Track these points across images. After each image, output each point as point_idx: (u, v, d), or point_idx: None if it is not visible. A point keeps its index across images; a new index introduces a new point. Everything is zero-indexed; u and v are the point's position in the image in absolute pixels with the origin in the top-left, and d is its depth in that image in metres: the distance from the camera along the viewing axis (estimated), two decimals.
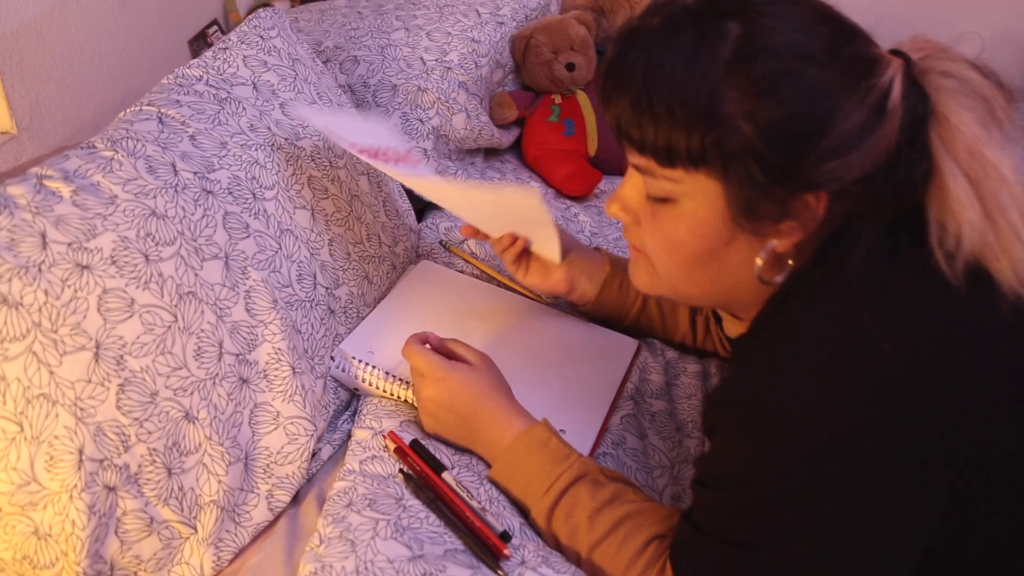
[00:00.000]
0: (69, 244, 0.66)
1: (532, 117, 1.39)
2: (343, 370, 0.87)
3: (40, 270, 0.64)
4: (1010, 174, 0.57)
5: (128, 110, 0.83)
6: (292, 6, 1.67)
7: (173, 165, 0.77)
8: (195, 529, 0.70)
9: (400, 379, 0.86)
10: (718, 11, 0.59)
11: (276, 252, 0.83)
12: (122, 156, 0.74)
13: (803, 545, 0.58)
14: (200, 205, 0.77)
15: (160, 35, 1.39)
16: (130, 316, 0.68)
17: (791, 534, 0.58)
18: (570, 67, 1.36)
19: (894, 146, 0.57)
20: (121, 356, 0.67)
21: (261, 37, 0.97)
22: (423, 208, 1.19)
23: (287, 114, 0.92)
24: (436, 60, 1.25)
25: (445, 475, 0.74)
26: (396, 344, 0.83)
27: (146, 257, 0.70)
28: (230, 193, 0.80)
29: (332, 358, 0.88)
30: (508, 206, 0.84)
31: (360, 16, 1.36)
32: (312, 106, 0.96)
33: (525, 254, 0.92)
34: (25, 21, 1.07)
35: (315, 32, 1.32)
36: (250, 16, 1.00)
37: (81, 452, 0.64)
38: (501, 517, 0.72)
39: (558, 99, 1.38)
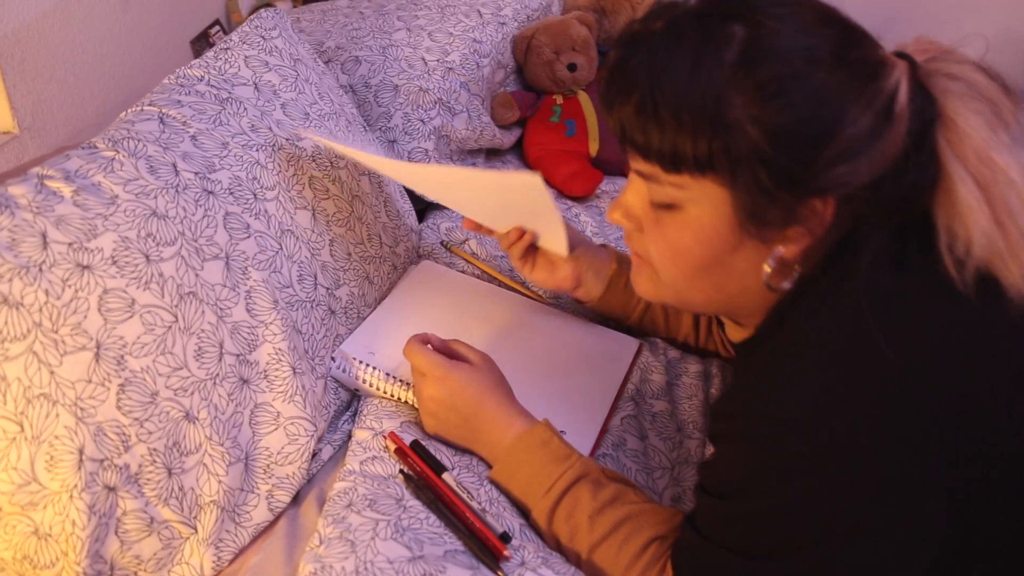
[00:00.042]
0: (70, 244, 0.66)
1: (533, 118, 1.39)
2: (344, 371, 0.87)
3: (41, 270, 0.64)
4: (1018, 178, 0.56)
5: (129, 110, 0.83)
6: (294, 6, 1.67)
7: (174, 165, 0.77)
8: (195, 529, 0.70)
9: (401, 380, 0.86)
10: (722, 14, 0.58)
11: (277, 252, 0.83)
12: (123, 156, 0.74)
13: (805, 553, 0.58)
14: (201, 205, 0.77)
15: (162, 35, 1.39)
16: (131, 316, 0.68)
17: (794, 543, 0.58)
18: (572, 67, 1.36)
19: (901, 150, 0.57)
20: (122, 356, 0.67)
21: (263, 37, 0.97)
22: (424, 208, 1.19)
23: (288, 115, 0.92)
24: (438, 60, 1.25)
25: (445, 476, 0.74)
26: (397, 345, 0.83)
27: (147, 257, 0.70)
28: (231, 193, 0.80)
29: (333, 359, 0.88)
30: (510, 195, 0.82)
31: (362, 16, 1.36)
32: (308, 128, 0.95)
33: (531, 249, 0.91)
34: (27, 21, 1.07)
35: (317, 32, 1.32)
36: (252, 16, 1.00)
37: (81, 452, 0.64)
38: (501, 518, 0.72)
39: (560, 100, 1.38)
